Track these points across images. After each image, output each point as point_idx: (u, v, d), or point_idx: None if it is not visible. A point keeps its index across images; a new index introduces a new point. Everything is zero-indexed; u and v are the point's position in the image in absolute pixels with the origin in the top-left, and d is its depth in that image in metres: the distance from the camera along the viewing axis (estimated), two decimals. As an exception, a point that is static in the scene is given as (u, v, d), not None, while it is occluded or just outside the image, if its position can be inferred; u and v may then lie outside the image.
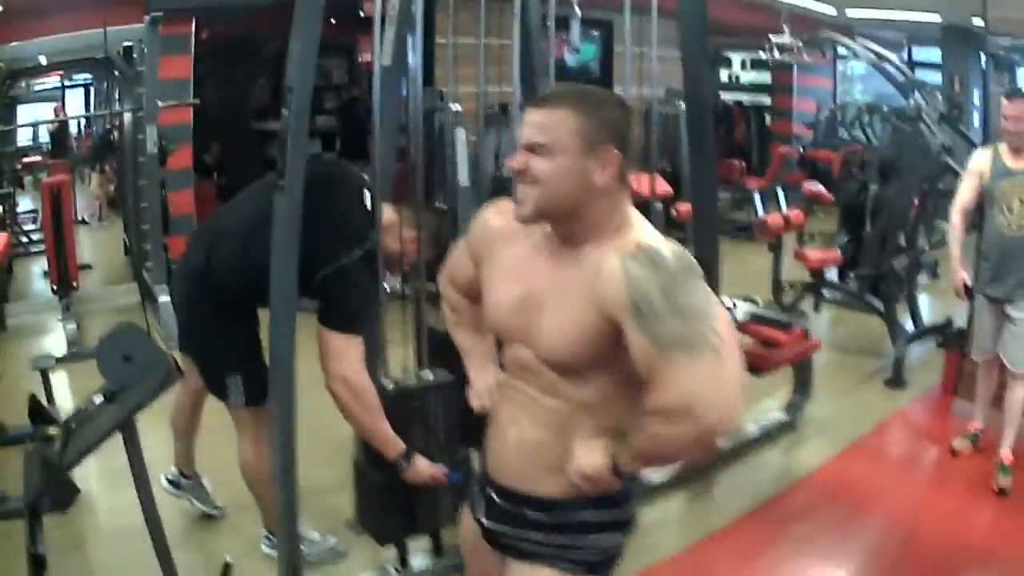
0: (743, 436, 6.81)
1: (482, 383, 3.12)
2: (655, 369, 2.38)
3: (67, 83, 15.93)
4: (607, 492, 2.71)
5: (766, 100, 17.98)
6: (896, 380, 8.07)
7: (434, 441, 4.51)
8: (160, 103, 9.04)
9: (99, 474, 5.71)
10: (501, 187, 8.78)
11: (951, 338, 7.75)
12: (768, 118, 17.74)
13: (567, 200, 2.55)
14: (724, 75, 19.25)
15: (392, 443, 4.23)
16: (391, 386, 4.47)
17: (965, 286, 6.40)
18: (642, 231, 2.61)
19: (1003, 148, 6.09)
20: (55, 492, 3.61)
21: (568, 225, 2.61)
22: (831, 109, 15.13)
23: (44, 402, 4.43)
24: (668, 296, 2.37)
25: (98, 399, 3.79)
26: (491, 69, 5.92)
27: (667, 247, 2.49)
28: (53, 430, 3.85)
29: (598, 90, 2.67)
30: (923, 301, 9.35)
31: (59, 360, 6.28)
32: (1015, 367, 6.14)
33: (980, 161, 6.24)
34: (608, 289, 2.46)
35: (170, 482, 5.51)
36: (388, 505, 4.61)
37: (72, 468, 3.67)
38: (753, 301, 6.88)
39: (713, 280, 6.06)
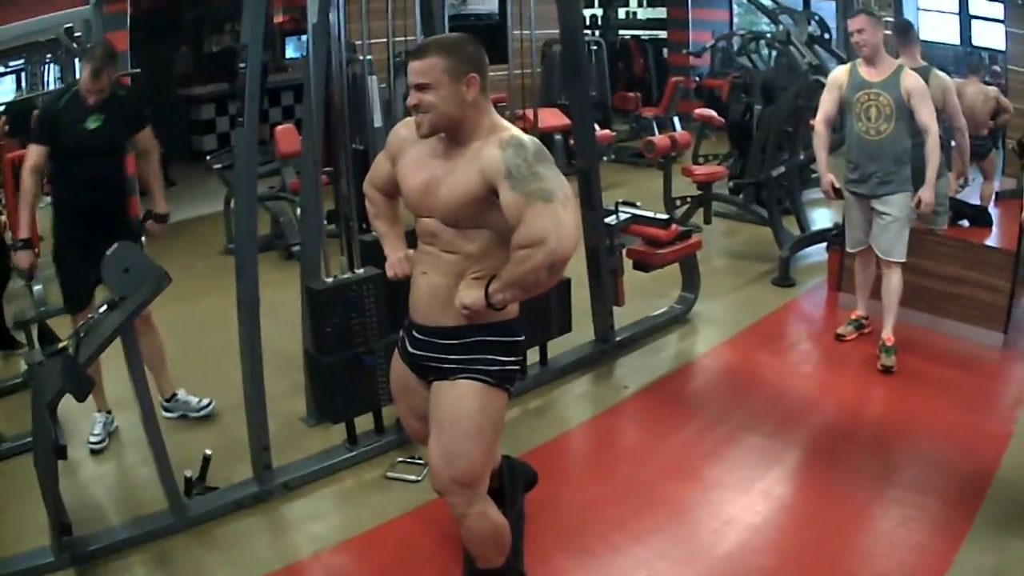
0: (640, 326, 7.44)
1: (394, 256, 4.04)
2: (521, 213, 3.28)
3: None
4: (494, 320, 3.63)
5: (664, 35, 18.41)
6: (783, 279, 8.71)
7: (369, 322, 5.33)
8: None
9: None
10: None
11: (836, 239, 8.31)
12: (666, 52, 18.21)
13: (449, 116, 3.49)
14: (622, 12, 19.74)
15: None
16: (331, 280, 5.36)
17: (833, 186, 6.95)
18: (509, 129, 3.53)
19: (860, 63, 6.62)
20: (75, 384, 4.19)
21: (454, 132, 3.55)
22: (717, 39, 15.51)
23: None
24: (530, 166, 3.32)
25: (102, 309, 4.41)
26: (398, 22, 6.57)
27: (526, 138, 3.43)
28: (63, 343, 4.38)
29: (454, 35, 3.65)
30: (820, 211, 10.11)
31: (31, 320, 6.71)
32: (886, 256, 6.79)
33: (837, 76, 6.83)
34: (488, 163, 3.37)
35: (165, 408, 6.14)
36: (335, 386, 5.41)
37: (87, 365, 4.31)
38: (633, 205, 7.35)
39: (593, 186, 6.69)
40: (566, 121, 11.06)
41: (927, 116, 6.40)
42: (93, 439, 5.74)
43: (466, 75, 3.48)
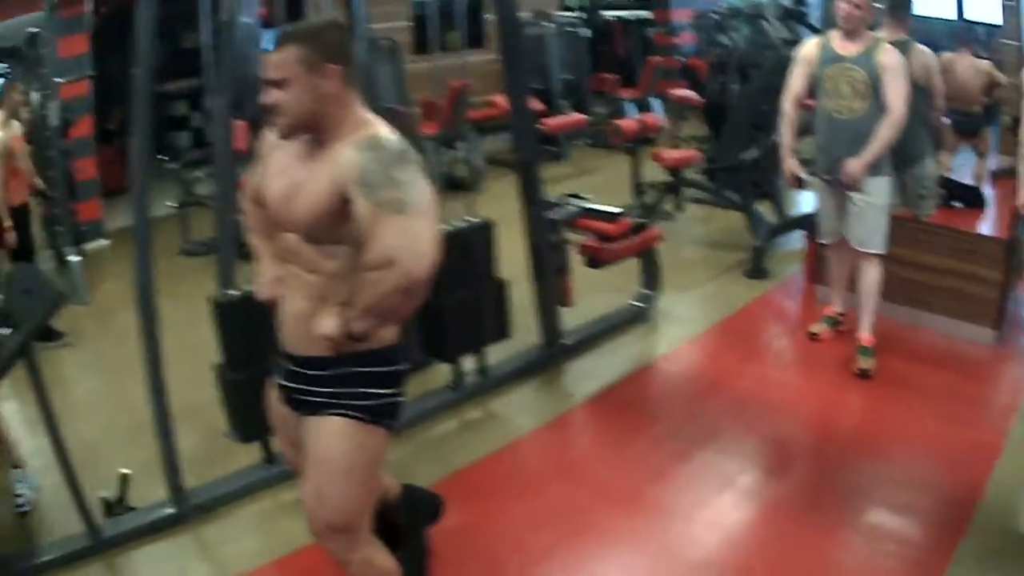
0: (592, 328, 6.95)
1: (265, 277, 3.59)
2: (372, 227, 2.98)
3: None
4: (368, 348, 3.27)
5: (651, 15, 17.85)
6: (756, 270, 8.25)
7: (264, 339, 4.74)
8: (59, 80, 9.44)
9: None
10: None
11: (813, 227, 7.71)
12: (651, 32, 17.67)
13: (307, 115, 3.14)
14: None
15: None
16: (239, 292, 5.02)
17: (796, 176, 6.53)
18: (374, 127, 3.18)
19: (834, 36, 6.19)
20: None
21: (315, 131, 3.19)
22: (695, 17, 15.07)
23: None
24: (387, 171, 3.01)
25: (3, 331, 4.24)
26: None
27: (389, 137, 3.13)
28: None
29: (318, 21, 3.45)
30: (802, 194, 9.33)
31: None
32: (862, 247, 6.32)
33: (808, 50, 6.36)
34: (344, 169, 3.04)
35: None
36: (247, 404, 4.93)
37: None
38: (581, 198, 6.94)
39: (533, 180, 6.22)
40: (539, 107, 10.45)
41: (895, 94, 5.98)
42: (20, 501, 5.21)
43: (325, 66, 3.13)
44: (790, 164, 6.52)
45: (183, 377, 5.06)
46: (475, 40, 11.72)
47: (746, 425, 5.83)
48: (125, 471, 4.95)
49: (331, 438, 3.34)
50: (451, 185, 10.04)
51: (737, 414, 5.96)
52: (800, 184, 6.60)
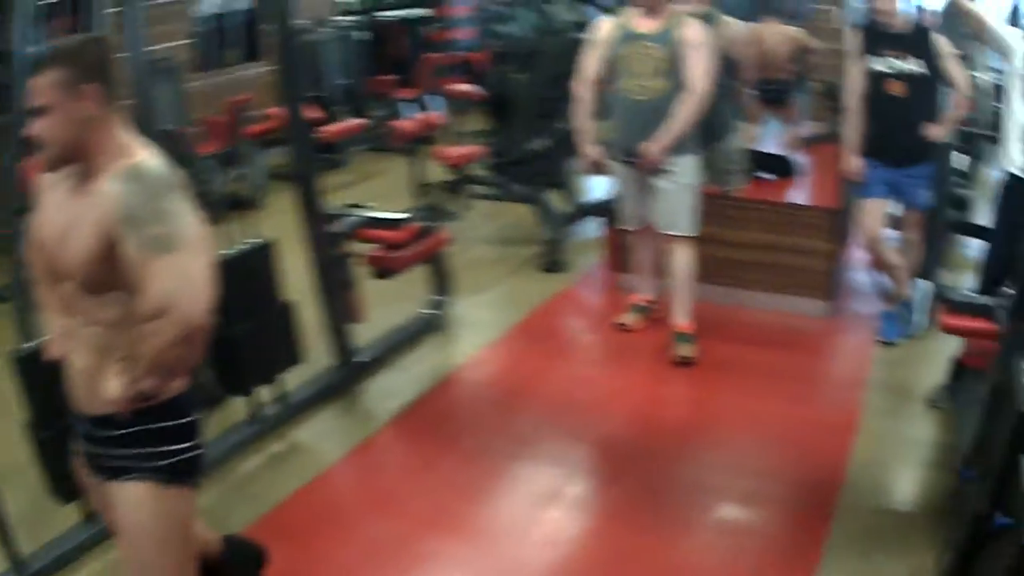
0: (386, 342, 6.50)
1: (53, 331, 3.23)
2: (142, 271, 2.67)
3: None
4: (157, 402, 2.93)
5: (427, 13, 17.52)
6: (552, 264, 7.87)
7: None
8: None
9: None
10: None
11: (611, 213, 7.41)
12: (428, 30, 17.29)
13: (70, 144, 2.81)
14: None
15: None
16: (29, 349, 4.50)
17: (594, 161, 6.24)
18: (137, 153, 2.86)
19: (631, 14, 5.94)
20: None
21: (81, 163, 2.85)
22: (474, 10, 14.75)
23: None
24: (150, 204, 2.70)
25: None
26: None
27: (152, 164, 2.82)
28: None
29: (77, 38, 2.97)
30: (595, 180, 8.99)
31: None
32: (670, 230, 6.06)
33: (602, 30, 6.07)
34: (106, 206, 2.72)
35: None
36: (58, 462, 4.48)
37: None
38: (362, 207, 6.48)
39: (311, 193, 5.81)
40: (316, 115, 9.92)
41: (697, 71, 5.79)
42: None
43: (81, 86, 2.80)
44: (589, 151, 6.24)
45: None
46: (252, 54, 11.18)
47: (564, 430, 5.47)
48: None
49: (135, 509, 3.04)
50: (234, 204, 9.39)
51: (553, 419, 5.58)
52: (600, 170, 6.32)
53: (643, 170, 5.92)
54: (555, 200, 8.46)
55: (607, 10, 8.24)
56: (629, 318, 6.56)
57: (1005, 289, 4.57)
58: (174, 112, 9.02)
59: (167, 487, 3.04)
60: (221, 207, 5.89)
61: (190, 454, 3.10)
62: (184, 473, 3.10)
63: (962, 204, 6.94)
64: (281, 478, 5.14)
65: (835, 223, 6.58)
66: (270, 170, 9.73)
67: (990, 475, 3.35)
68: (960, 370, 5.31)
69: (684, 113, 5.73)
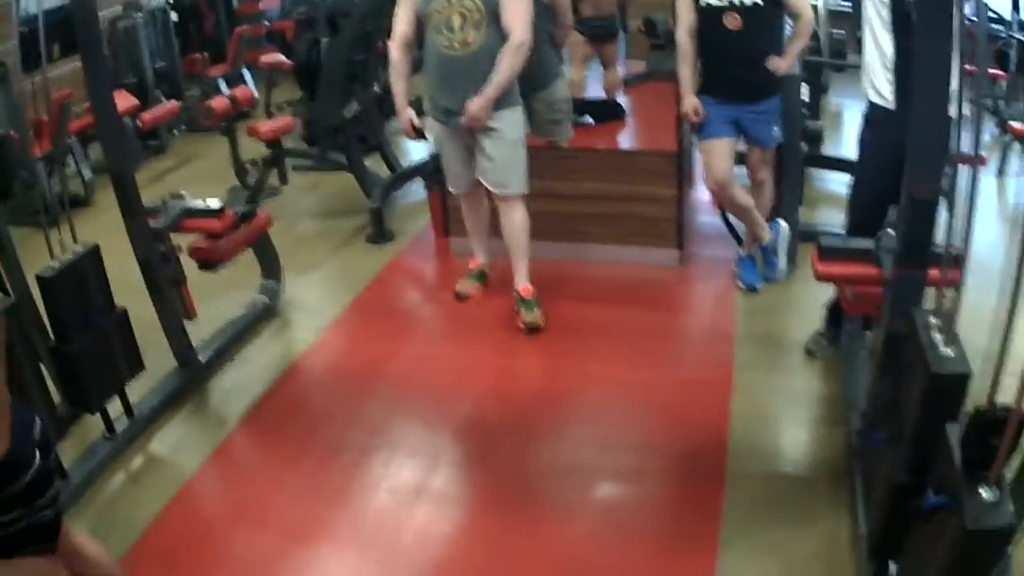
0: (224, 336, 6.19)
1: None
2: None
3: None
4: None
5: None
6: (379, 234, 7.63)
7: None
8: None
9: None
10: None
11: (434, 175, 7.16)
12: (235, 3, 16.95)
13: None
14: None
15: None
16: None
17: (413, 126, 6.00)
18: None
19: None
20: None
21: None
22: None
23: None
24: None
25: None
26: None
27: None
28: None
29: None
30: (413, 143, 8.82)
31: None
32: (501, 190, 5.87)
33: None
34: None
35: None
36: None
37: None
38: (179, 196, 6.10)
39: (129, 188, 5.44)
40: (134, 102, 9.79)
41: (514, 19, 5.52)
42: None
43: None
44: (407, 115, 5.97)
45: None
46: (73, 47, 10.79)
47: (419, 415, 5.23)
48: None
49: None
50: (66, 204, 9.01)
51: (405, 404, 5.33)
52: (420, 135, 6.07)
53: (466, 129, 5.70)
54: (376, 166, 8.28)
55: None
56: (467, 286, 6.37)
57: (882, 231, 4.27)
58: (6, 116, 8.85)
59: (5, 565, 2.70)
60: (54, 209, 5.52)
61: (21, 526, 2.71)
62: (16, 547, 2.72)
63: (813, 138, 6.84)
64: (145, 497, 4.82)
65: (676, 167, 6.37)
66: (97, 164, 9.36)
67: (906, 442, 3.17)
68: (836, 316, 5.18)
69: (506, 66, 5.52)
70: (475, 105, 5.53)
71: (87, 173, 9.25)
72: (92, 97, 5.50)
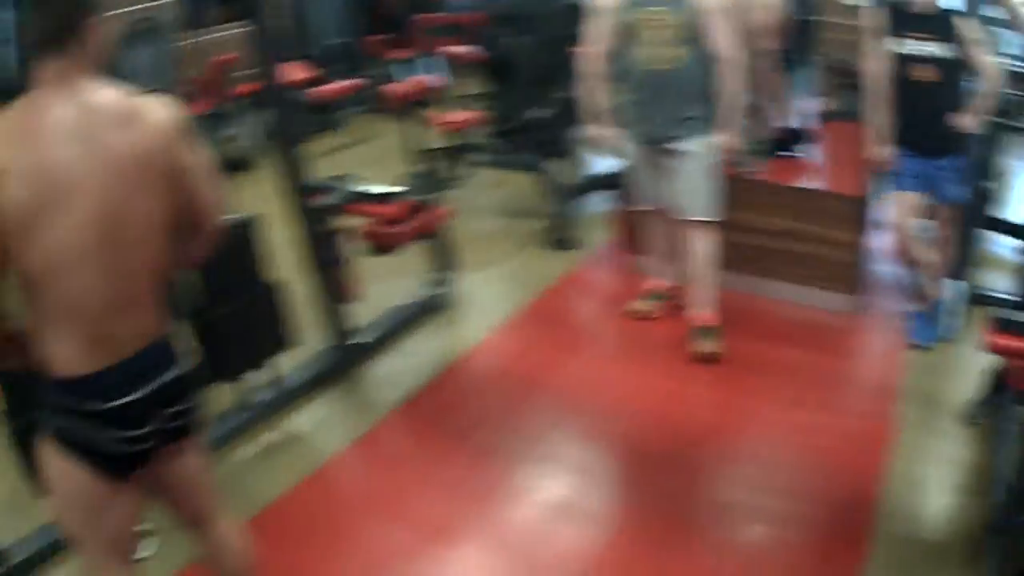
0: (388, 322, 6.19)
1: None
2: None
3: None
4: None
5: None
6: (561, 240, 7.49)
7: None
8: None
9: None
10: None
11: (622, 188, 6.97)
12: None
13: None
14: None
15: None
16: None
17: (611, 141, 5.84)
18: None
19: None
20: None
21: None
22: None
23: None
24: None
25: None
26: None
27: None
28: None
29: None
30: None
31: None
32: (690, 215, 5.72)
33: None
34: None
35: None
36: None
37: None
38: (352, 179, 6.10)
39: (294, 161, 5.46)
40: (309, 75, 9.59)
41: (721, 37, 5.39)
42: None
43: None
44: (602, 126, 5.81)
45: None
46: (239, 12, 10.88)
47: (576, 431, 5.16)
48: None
49: None
50: (226, 167, 9.04)
51: (562, 417, 5.25)
52: (613, 148, 5.95)
53: (660, 150, 5.60)
54: (560, 171, 8.07)
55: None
56: (644, 305, 6.22)
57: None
58: (161, 72, 8.79)
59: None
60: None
61: (84, 435, 2.82)
62: (73, 448, 2.83)
63: (987, 198, 6.68)
64: (275, 471, 4.88)
65: (860, 212, 6.23)
66: (265, 131, 9.41)
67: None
68: (999, 385, 4.93)
69: (730, 87, 5.39)
70: (727, 140, 5.49)
71: (250, 138, 9.30)
72: (258, 63, 5.46)
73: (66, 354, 2.69)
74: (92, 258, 2.62)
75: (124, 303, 2.71)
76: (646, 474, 4.71)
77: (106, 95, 2.71)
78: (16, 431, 4.22)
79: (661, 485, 4.59)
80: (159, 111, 2.77)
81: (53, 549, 4.36)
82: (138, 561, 3.94)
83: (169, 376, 2.86)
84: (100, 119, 2.65)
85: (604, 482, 4.74)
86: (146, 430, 2.84)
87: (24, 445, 4.16)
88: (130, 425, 2.80)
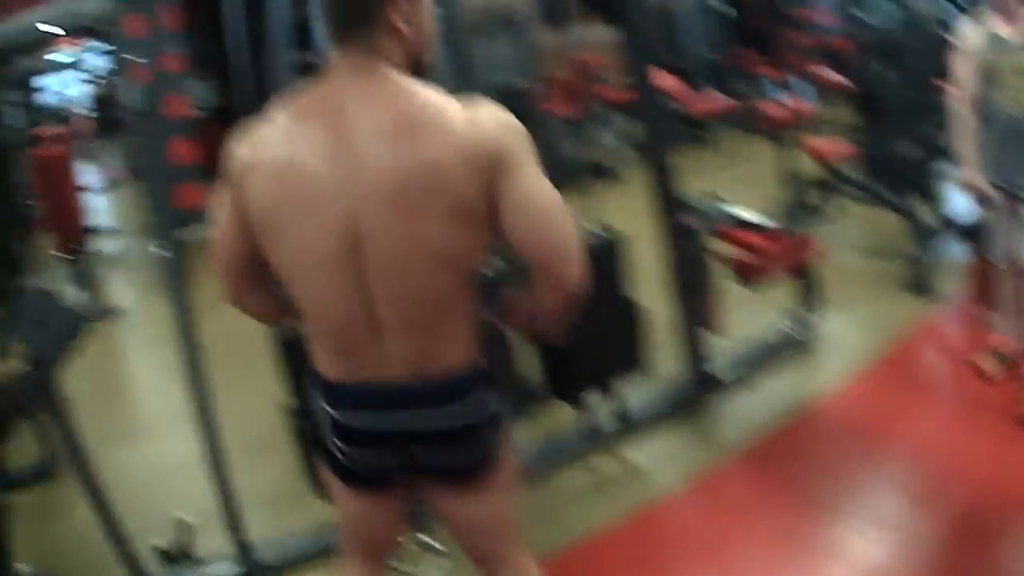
0: (745, 357, 6.07)
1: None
2: None
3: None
4: None
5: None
6: (919, 286, 7.23)
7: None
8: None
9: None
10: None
11: (980, 238, 6.67)
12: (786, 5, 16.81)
13: None
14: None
15: None
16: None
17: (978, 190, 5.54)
18: None
19: (990, 18, 5.31)
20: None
21: None
22: None
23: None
24: None
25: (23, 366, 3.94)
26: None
27: None
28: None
29: None
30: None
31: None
32: None
33: (971, 37, 5.44)
34: None
35: None
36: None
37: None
38: (724, 200, 6.08)
39: (665, 176, 5.39)
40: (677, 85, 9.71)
41: None
42: None
43: None
44: (972, 177, 5.50)
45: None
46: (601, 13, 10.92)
47: (911, 495, 4.81)
48: (184, 517, 4.55)
49: None
50: (592, 173, 9.06)
51: (900, 479, 4.97)
52: (983, 199, 5.58)
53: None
54: (924, 212, 7.83)
55: (961, 8, 7.86)
56: (985, 363, 5.90)
57: None
58: (520, 68, 8.94)
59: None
60: (577, 175, 5.52)
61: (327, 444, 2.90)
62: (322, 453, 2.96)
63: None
64: (601, 503, 4.87)
65: None
66: (633, 141, 9.39)
67: None
68: None
69: None
70: None
71: (614, 146, 9.28)
72: (630, 69, 5.39)
73: (318, 353, 2.74)
74: (333, 271, 2.52)
75: (376, 326, 2.58)
76: (979, 553, 4.38)
77: (399, 97, 2.48)
78: (301, 430, 4.37)
79: (990, 566, 4.30)
80: (463, 125, 2.45)
81: (305, 557, 4.56)
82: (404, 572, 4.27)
83: (437, 415, 2.71)
84: (377, 124, 2.44)
85: (930, 553, 4.42)
86: (375, 453, 2.81)
87: (309, 444, 4.33)
88: (355, 443, 2.78)
